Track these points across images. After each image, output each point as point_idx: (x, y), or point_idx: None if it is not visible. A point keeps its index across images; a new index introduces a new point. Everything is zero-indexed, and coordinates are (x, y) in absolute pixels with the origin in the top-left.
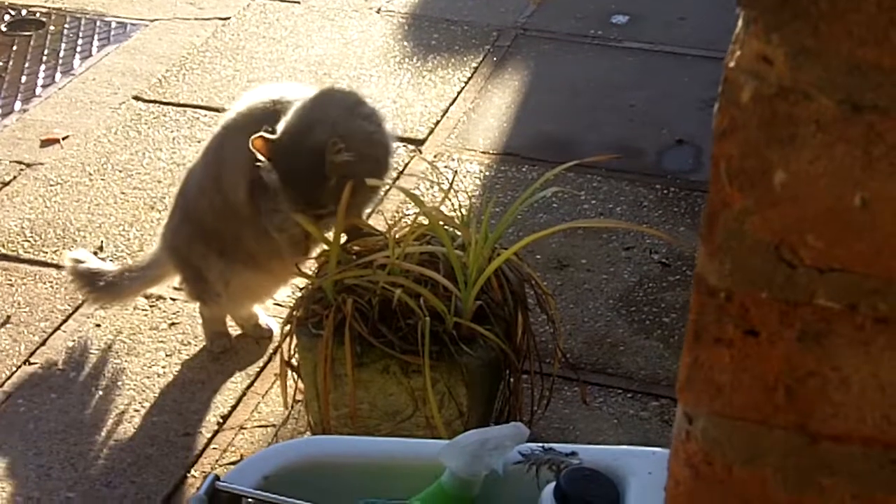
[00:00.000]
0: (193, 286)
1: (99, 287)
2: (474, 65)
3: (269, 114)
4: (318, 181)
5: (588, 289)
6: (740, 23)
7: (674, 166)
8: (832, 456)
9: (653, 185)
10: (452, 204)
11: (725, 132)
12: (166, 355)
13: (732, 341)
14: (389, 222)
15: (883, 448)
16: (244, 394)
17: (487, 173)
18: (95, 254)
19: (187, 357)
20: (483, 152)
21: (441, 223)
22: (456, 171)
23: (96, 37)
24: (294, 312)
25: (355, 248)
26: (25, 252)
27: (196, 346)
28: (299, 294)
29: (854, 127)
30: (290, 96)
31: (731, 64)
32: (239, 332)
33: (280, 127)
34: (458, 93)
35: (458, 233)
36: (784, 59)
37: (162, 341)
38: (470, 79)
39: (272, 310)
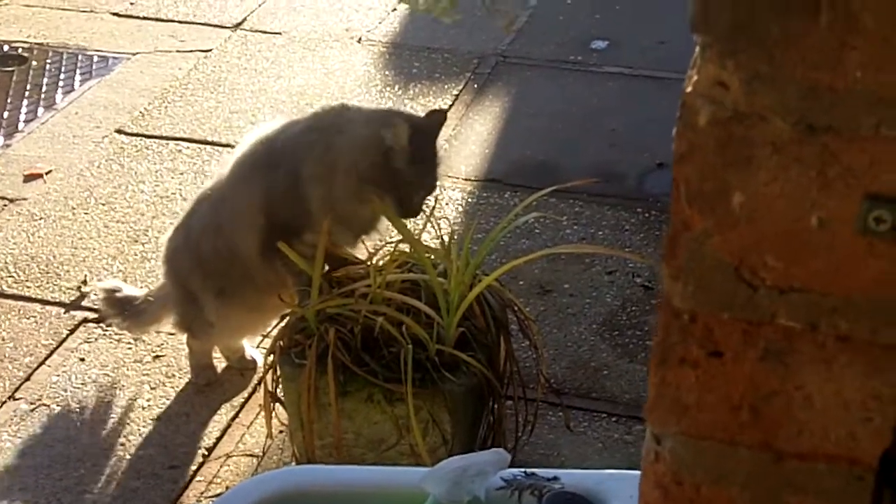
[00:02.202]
0: (185, 313)
1: (132, 314)
2: (455, 92)
3: (270, 156)
4: (436, 159)
5: (571, 313)
6: (697, 49)
7: (655, 189)
8: (798, 474)
9: (634, 209)
10: (434, 231)
11: (684, 155)
12: (151, 388)
13: (697, 362)
14: (371, 250)
15: (848, 465)
16: (229, 425)
17: (469, 200)
18: (79, 288)
19: (172, 389)
20: (465, 179)
21: (423, 250)
22: (437, 198)
23: (78, 71)
24: (277, 343)
25: (337, 276)
26: (9, 287)
27: (181, 378)
28: (282, 324)
29: (809, 148)
30: (287, 134)
31: (689, 89)
32: (223, 363)
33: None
34: None
35: (440, 260)
36: (739, 84)
37: (146, 374)
38: (451, 106)
39: (256, 340)
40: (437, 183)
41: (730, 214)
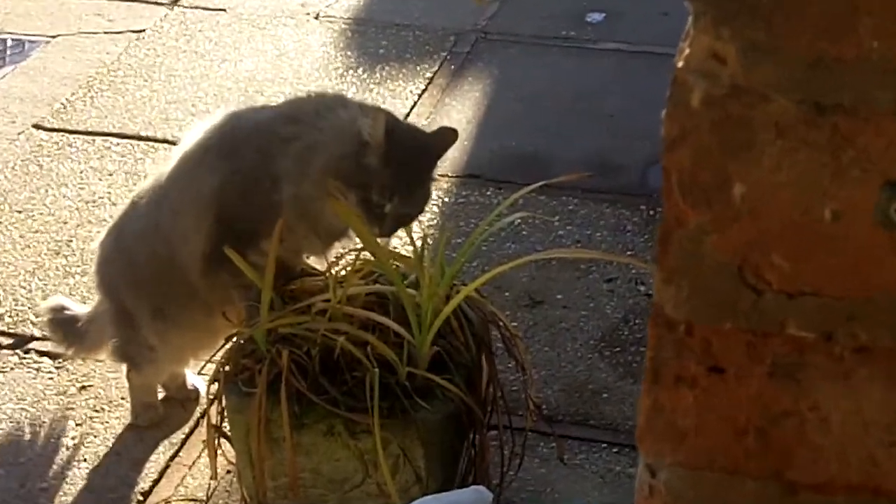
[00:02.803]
0: (122, 336)
1: (75, 338)
2: (429, 75)
3: (229, 145)
4: (424, 180)
5: (565, 328)
6: (690, 18)
7: (660, 183)
8: None
9: (637, 207)
10: (403, 235)
11: (675, 140)
12: (76, 424)
13: (695, 380)
14: (330, 259)
15: (872, 495)
16: (167, 465)
17: (446, 199)
18: None
19: (101, 425)
20: (440, 174)
21: (388, 258)
22: None
23: None
24: (222, 368)
25: (290, 290)
26: None
27: (111, 412)
28: (227, 347)
29: (818, 130)
30: (254, 121)
31: (680, 63)
32: (161, 394)
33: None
34: (412, 107)
35: (411, 269)
36: (736, 55)
37: (71, 408)
38: (424, 91)
39: (198, 366)
40: (418, 211)
41: (729, 207)
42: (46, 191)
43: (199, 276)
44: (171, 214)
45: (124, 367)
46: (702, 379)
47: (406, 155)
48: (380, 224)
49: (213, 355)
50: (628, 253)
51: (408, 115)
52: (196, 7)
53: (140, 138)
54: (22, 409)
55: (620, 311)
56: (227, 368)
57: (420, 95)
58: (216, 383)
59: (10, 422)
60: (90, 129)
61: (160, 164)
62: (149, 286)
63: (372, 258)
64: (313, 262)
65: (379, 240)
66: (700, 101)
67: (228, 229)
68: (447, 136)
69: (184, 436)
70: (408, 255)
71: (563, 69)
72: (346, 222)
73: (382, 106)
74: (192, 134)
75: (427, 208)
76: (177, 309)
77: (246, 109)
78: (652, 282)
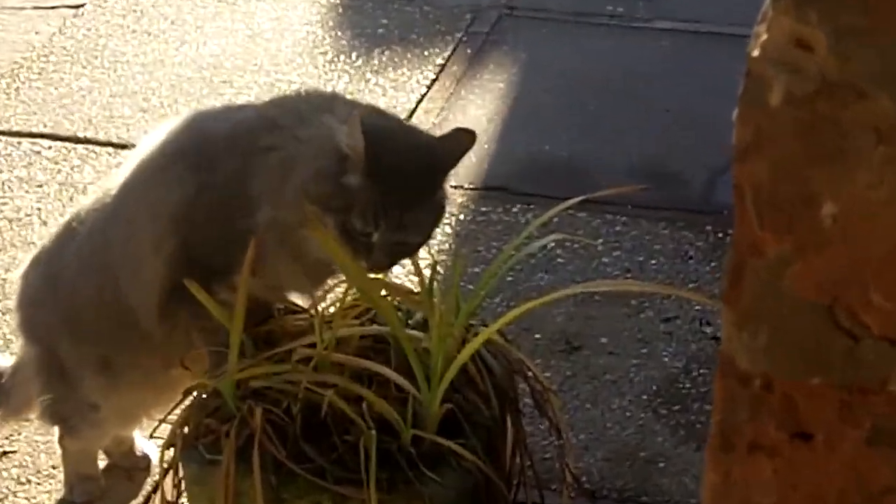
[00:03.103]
0: (53, 392)
1: (2, 396)
2: (440, 61)
3: (200, 153)
4: (425, 200)
5: (611, 380)
6: None
7: (731, 198)
8: None
9: (701, 227)
10: (407, 263)
11: (750, 148)
12: None
13: (776, 448)
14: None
15: None
16: None
17: (461, 217)
18: None
19: (26, 501)
20: (454, 186)
21: (389, 292)
22: None
23: None
24: (179, 430)
25: (266, 333)
26: None
27: (39, 484)
28: (186, 403)
29: None
30: (231, 124)
31: (755, 52)
32: (103, 462)
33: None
34: (419, 102)
35: (417, 305)
36: (826, 42)
37: None
38: (434, 81)
39: (149, 426)
40: (418, 239)
41: (817, 232)
42: None
43: (153, 317)
44: (122, 239)
45: (57, 431)
46: (784, 447)
47: (399, 169)
48: (367, 256)
49: (169, 413)
50: (690, 285)
51: (413, 111)
52: None
53: (78, 140)
54: None
55: (681, 359)
56: (185, 430)
57: (429, 87)
58: (172, 449)
59: None
60: (14, 129)
61: (106, 176)
62: (91, 331)
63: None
64: (297, 299)
65: (372, 275)
66: (781, 99)
67: (193, 259)
68: (460, 141)
69: None
70: (413, 287)
71: (608, 54)
72: (328, 253)
73: (382, 104)
74: (150, 139)
75: (438, 230)
76: (128, 359)
77: (220, 109)
78: (721, 323)
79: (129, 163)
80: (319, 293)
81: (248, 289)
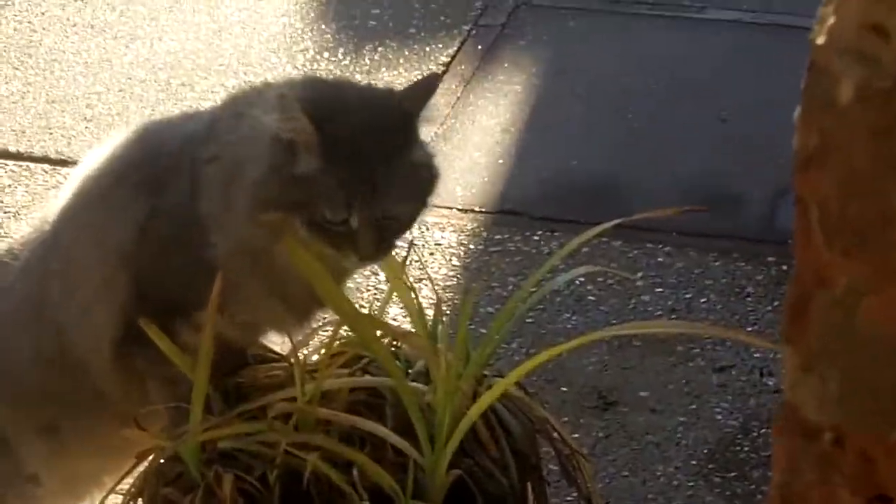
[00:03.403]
0: None
1: None
2: (445, 59)
3: (148, 173)
4: (402, 160)
5: (653, 442)
6: None
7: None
8: None
9: (761, 259)
10: (408, 301)
11: (814, 156)
12: None
13: None
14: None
15: None
16: None
17: (470, 246)
18: None
19: None
20: (462, 209)
21: (387, 333)
22: (413, 243)
23: None
24: (132, 502)
25: (237, 384)
26: None
27: None
28: (141, 469)
29: None
30: (180, 136)
31: (820, 39)
32: None
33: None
34: None
35: (419, 352)
36: None
37: None
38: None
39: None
40: (409, 209)
41: None
42: None
43: (107, 370)
44: (63, 279)
45: None
46: None
47: (356, 135)
48: (352, 247)
49: (119, 482)
50: (748, 328)
51: None
52: None
53: (8, 156)
54: None
55: (738, 417)
56: (140, 502)
57: (440, 75)
58: None
59: None
60: None
61: (42, 198)
62: (33, 393)
63: (361, 334)
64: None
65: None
66: (851, 96)
67: (149, 296)
68: (422, 85)
69: None
70: (412, 331)
71: (652, 51)
72: (305, 273)
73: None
74: (93, 155)
75: (443, 262)
76: (79, 422)
77: (175, 118)
78: (784, 371)
79: (69, 185)
80: (303, 334)
81: (214, 330)
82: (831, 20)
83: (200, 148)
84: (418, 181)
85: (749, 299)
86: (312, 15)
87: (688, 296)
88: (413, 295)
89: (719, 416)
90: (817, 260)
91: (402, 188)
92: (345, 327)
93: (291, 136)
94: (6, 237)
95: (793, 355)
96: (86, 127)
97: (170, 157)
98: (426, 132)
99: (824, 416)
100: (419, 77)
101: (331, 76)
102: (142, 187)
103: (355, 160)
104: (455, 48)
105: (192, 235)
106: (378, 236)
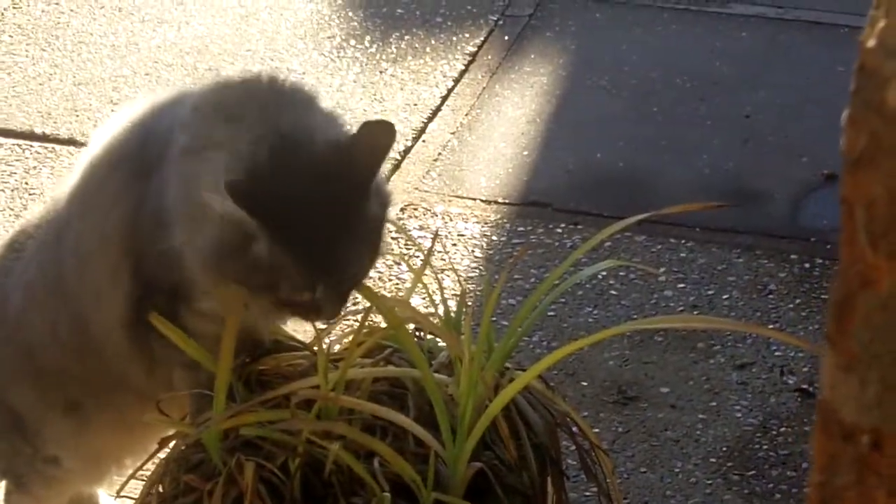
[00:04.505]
0: (2, 445)
1: None
2: (471, 49)
3: (142, 155)
4: (345, 219)
5: (672, 438)
6: None
7: (820, 221)
8: None
9: (785, 256)
10: (431, 292)
11: (862, 159)
12: None
13: None
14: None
15: None
16: None
17: (493, 238)
18: None
19: None
20: (486, 201)
21: (410, 326)
22: (437, 233)
23: None
24: (154, 489)
25: (260, 372)
26: None
27: None
28: (162, 456)
29: None
30: (170, 118)
31: (871, 42)
32: None
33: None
34: (444, 98)
35: (441, 342)
36: None
37: None
38: (463, 73)
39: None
40: (365, 263)
41: None
42: None
43: (121, 352)
44: (73, 265)
45: (3, 486)
46: None
47: (307, 212)
48: (316, 315)
49: (141, 468)
50: (771, 326)
51: (438, 109)
52: None
53: (34, 137)
54: None
55: (758, 415)
56: (160, 489)
57: (457, 80)
58: None
59: None
60: None
61: (62, 181)
62: (52, 372)
63: (384, 325)
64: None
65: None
66: None
67: (151, 283)
68: (375, 138)
69: None
70: (436, 322)
71: (677, 45)
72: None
73: (400, 99)
74: (100, 135)
75: (466, 254)
76: (99, 398)
77: (173, 97)
78: (806, 370)
79: (79, 165)
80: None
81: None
82: (882, 23)
83: (177, 138)
84: (373, 232)
85: (771, 296)
86: (340, 2)
87: (710, 292)
88: (437, 286)
89: (739, 414)
90: (862, 262)
91: (360, 246)
92: (371, 316)
93: (234, 220)
94: None
95: (834, 356)
96: (112, 109)
97: (156, 145)
98: (451, 123)
99: (862, 417)
100: (447, 69)
101: (288, 118)
102: (135, 174)
103: (311, 239)
104: (482, 38)
105: (166, 227)
106: (339, 300)
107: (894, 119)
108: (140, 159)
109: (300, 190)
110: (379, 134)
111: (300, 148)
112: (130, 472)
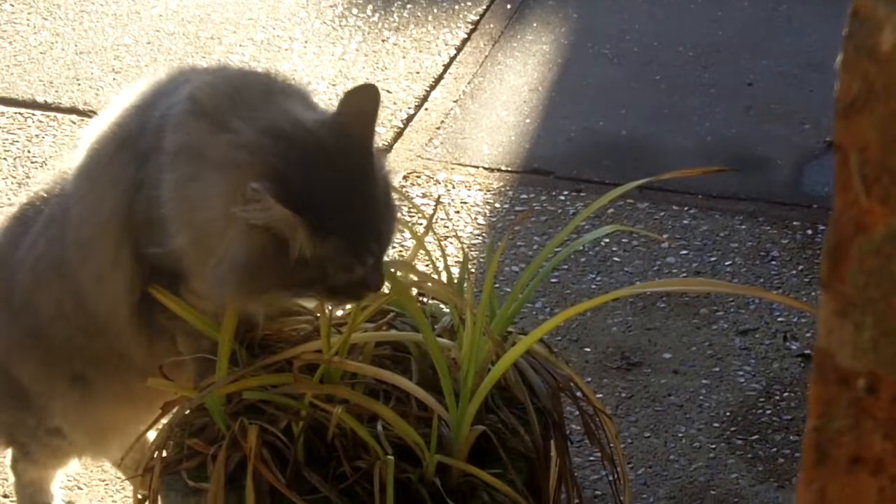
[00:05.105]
0: (6, 412)
1: None
2: (473, 17)
3: (142, 135)
4: (364, 188)
5: (675, 403)
6: None
7: (822, 188)
8: None
9: (787, 222)
10: (433, 257)
11: (855, 104)
12: None
13: (882, 463)
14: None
15: None
16: None
17: (496, 204)
18: None
19: None
20: (489, 168)
21: (413, 291)
22: (440, 201)
23: None
24: (157, 454)
25: (264, 337)
26: None
27: None
28: (165, 421)
29: None
30: (168, 102)
31: None
32: (64, 489)
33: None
34: (446, 66)
35: (444, 307)
36: None
37: None
38: (466, 41)
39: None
40: (394, 223)
41: None
42: None
43: (124, 331)
44: (76, 244)
45: (10, 454)
46: (891, 462)
47: (335, 193)
48: (366, 290)
49: (146, 432)
50: (773, 291)
51: (440, 77)
52: None
53: (36, 105)
54: None
55: (760, 380)
56: (164, 453)
57: (459, 48)
58: (149, 476)
59: None
60: None
61: (68, 153)
62: (57, 347)
63: (387, 289)
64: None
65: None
66: (895, 43)
67: (151, 262)
68: (359, 104)
69: None
70: (440, 285)
71: (679, 13)
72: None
73: (402, 67)
74: (112, 108)
75: (469, 220)
76: (103, 370)
77: (175, 75)
78: (808, 335)
79: (85, 142)
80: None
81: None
82: None
83: (169, 134)
84: (387, 193)
85: (774, 262)
86: None
87: (713, 258)
88: (440, 253)
89: (742, 379)
90: (856, 208)
91: (384, 209)
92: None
93: (270, 224)
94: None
95: (829, 301)
96: (114, 78)
97: (153, 132)
98: (453, 91)
99: (858, 362)
100: (449, 37)
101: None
102: (133, 159)
103: (345, 216)
104: (484, 6)
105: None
106: (381, 267)
107: (887, 63)
108: (137, 148)
109: (318, 174)
110: (363, 100)
111: (302, 136)
112: (134, 438)
